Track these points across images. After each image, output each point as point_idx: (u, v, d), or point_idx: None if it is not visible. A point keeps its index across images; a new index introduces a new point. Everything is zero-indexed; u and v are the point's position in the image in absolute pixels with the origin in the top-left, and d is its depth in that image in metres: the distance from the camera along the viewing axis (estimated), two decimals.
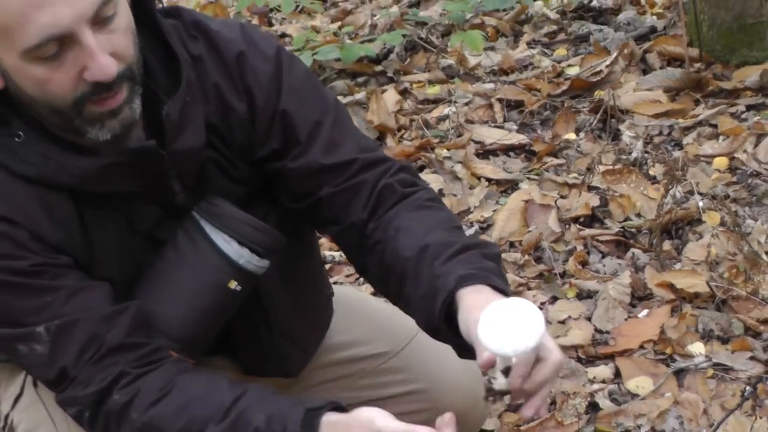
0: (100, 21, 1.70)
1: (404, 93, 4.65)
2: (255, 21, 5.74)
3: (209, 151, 2.00)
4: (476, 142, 4.23)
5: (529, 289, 3.48)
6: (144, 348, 1.96)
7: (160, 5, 1.98)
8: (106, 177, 1.88)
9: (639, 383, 3.06)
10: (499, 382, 1.74)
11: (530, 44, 4.94)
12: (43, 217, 1.88)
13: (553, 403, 3.03)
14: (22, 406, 2.13)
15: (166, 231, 2.01)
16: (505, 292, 1.87)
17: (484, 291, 1.83)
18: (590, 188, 3.87)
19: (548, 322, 3.30)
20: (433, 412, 2.08)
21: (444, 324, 1.88)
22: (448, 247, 1.97)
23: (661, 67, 4.51)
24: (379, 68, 4.87)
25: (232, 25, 2.08)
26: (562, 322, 3.32)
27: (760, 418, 2.85)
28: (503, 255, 3.61)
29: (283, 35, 5.04)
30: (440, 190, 3.97)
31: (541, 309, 3.28)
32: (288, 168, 2.07)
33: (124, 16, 1.78)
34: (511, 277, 3.51)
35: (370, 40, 4.91)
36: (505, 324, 1.68)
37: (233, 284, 2.03)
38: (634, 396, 3.03)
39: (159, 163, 1.90)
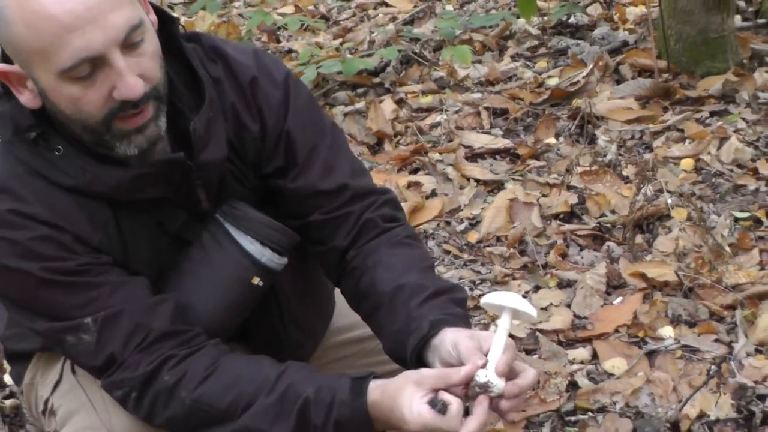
0: (129, 45, 1.74)
1: (400, 102, 4.65)
2: (264, 38, 5.77)
3: (228, 163, 2.03)
4: (465, 147, 4.23)
5: (514, 279, 3.49)
6: (187, 333, 1.99)
7: (182, 29, 2.00)
8: (137, 186, 1.91)
9: (614, 364, 3.07)
10: (492, 377, 1.75)
11: (514, 57, 4.95)
12: (85, 222, 1.90)
13: (537, 383, 3.04)
14: (61, 392, 2.14)
15: (192, 233, 2.04)
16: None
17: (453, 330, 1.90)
18: (569, 188, 3.88)
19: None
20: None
21: (413, 359, 1.94)
22: (422, 290, 2.02)
23: (633, 78, 4.51)
24: (377, 80, 4.87)
25: (246, 51, 2.11)
26: (545, 309, 3.32)
27: (724, 394, 2.86)
28: (491, 248, 3.65)
29: (290, 51, 5.05)
30: (433, 190, 3.99)
31: (525, 297, 3.31)
32: (287, 188, 2.11)
33: (151, 42, 1.82)
34: (497, 268, 3.53)
35: (369, 55, 4.92)
36: (509, 296, 1.81)
37: (256, 280, 2.06)
38: (610, 375, 3.04)
39: (187, 174, 1.93)
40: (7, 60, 1.84)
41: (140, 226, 1.99)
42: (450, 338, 1.87)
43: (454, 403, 1.75)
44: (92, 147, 1.89)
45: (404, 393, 1.81)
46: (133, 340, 1.92)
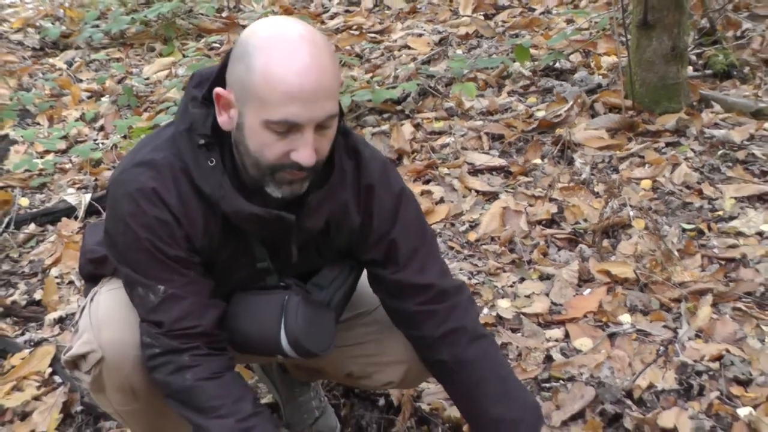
0: (321, 127, 1.82)
1: (417, 126, 4.66)
2: None
3: (318, 235, 2.08)
4: (468, 164, 4.24)
5: (504, 272, 3.51)
6: (218, 338, 2.07)
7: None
8: (249, 221, 1.95)
9: (582, 342, 3.09)
10: None
11: (510, 93, 4.94)
12: (200, 227, 1.97)
13: (519, 355, 3.06)
14: (108, 289, 2.18)
15: (270, 278, 2.11)
16: None
17: None
18: (551, 200, 3.90)
19: (516, 296, 3.36)
20: (382, 356, 2.37)
21: None
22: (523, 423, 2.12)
23: (605, 113, 4.51)
24: (399, 108, 4.88)
25: (378, 159, 2.13)
26: (528, 296, 3.36)
27: (669, 370, 2.88)
28: (487, 246, 3.67)
29: None
30: (441, 198, 4.01)
31: (512, 287, 3.32)
32: (385, 277, 2.15)
33: (333, 129, 1.90)
34: (491, 262, 3.56)
35: (393, 87, 4.91)
36: None
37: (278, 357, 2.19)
38: (579, 352, 3.06)
39: (289, 230, 1.97)
40: (222, 82, 1.90)
41: (235, 248, 2.04)
42: None
43: None
44: (240, 174, 1.96)
45: None
46: (181, 323, 1.98)
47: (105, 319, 2.09)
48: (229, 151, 1.95)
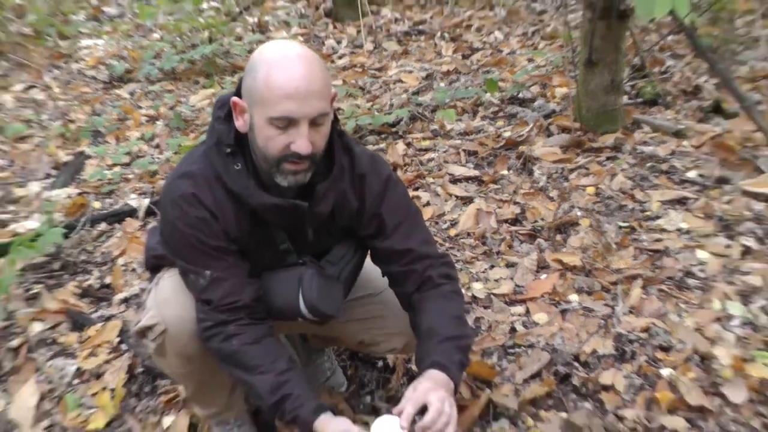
0: (314, 123, 1.87)
1: (408, 145, 4.66)
2: None
3: (326, 219, 2.10)
4: (449, 174, 4.25)
5: (478, 260, 3.51)
6: (257, 309, 2.10)
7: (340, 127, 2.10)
8: (271, 211, 1.98)
9: (540, 317, 3.11)
10: None
11: (482, 118, 4.94)
12: (233, 221, 2.01)
13: (490, 327, 3.07)
14: (169, 276, 2.20)
15: (290, 256, 2.13)
16: (453, 377, 2.00)
17: (435, 377, 1.97)
18: (515, 203, 3.91)
19: (487, 280, 3.37)
20: (387, 329, 2.40)
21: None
22: (443, 333, 2.06)
23: (558, 133, 4.52)
24: (393, 129, 4.89)
25: (367, 153, 2.17)
26: (496, 280, 3.36)
27: (608, 339, 2.89)
28: (464, 240, 3.67)
29: (338, 108, 5.04)
30: (428, 201, 4.02)
31: (483, 273, 3.31)
32: (375, 246, 2.19)
33: (326, 127, 1.94)
34: (467, 253, 3.56)
35: (389, 113, 4.91)
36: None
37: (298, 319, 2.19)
38: (537, 324, 3.07)
39: (303, 215, 2.00)
40: (239, 95, 1.95)
41: (262, 236, 2.06)
42: (422, 379, 1.96)
43: None
44: (260, 173, 2.00)
45: None
46: (226, 299, 2.03)
47: (167, 299, 2.14)
48: (249, 156, 1.99)
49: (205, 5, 7.69)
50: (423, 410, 1.88)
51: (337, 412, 2.42)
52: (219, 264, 2.03)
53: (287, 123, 1.84)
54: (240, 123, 1.95)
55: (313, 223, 2.07)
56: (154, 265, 2.32)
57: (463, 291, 3.19)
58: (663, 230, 3.58)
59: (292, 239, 2.12)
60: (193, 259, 2.03)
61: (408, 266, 2.16)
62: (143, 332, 2.16)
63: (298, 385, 2.01)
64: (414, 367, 2.84)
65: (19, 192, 4.56)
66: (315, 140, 1.88)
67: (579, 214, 3.73)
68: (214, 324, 2.04)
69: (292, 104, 1.82)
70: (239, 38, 6.77)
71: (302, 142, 1.84)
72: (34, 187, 4.61)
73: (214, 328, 2.04)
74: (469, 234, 3.71)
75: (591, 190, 3.93)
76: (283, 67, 1.83)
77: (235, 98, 1.94)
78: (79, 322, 3.29)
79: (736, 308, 3.04)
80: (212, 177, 1.99)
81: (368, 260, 2.34)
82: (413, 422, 1.86)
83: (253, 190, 1.96)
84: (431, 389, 1.91)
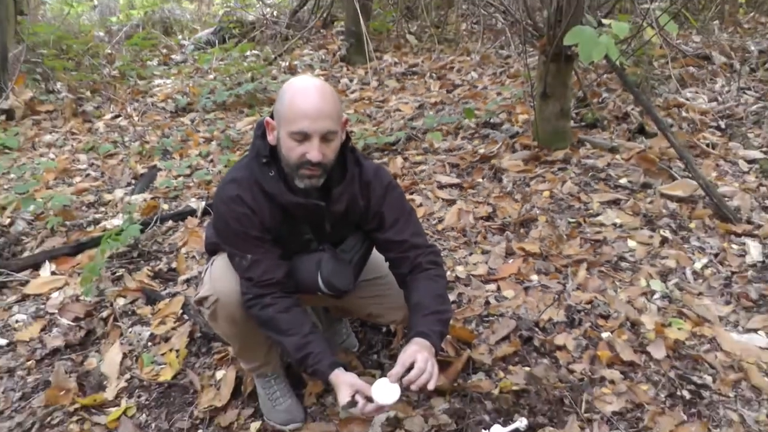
0: (324, 139, 1.92)
1: (405, 159, 4.63)
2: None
3: (340, 216, 2.12)
4: (437, 182, 4.22)
5: (460, 248, 3.48)
6: (288, 284, 2.12)
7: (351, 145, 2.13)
8: (296, 207, 2.02)
9: (508, 293, 3.06)
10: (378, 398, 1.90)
11: (462, 138, 4.89)
12: (268, 215, 2.03)
13: (469, 300, 3.04)
14: (220, 259, 2.22)
15: (311, 245, 2.13)
16: (434, 344, 2.03)
17: (420, 343, 1.99)
18: (488, 204, 3.87)
19: (467, 264, 3.34)
20: (390, 304, 2.38)
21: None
22: (427, 309, 2.08)
23: (521, 150, 4.48)
24: (393, 147, 4.85)
25: (372, 165, 2.18)
26: (474, 264, 3.32)
27: (561, 309, 2.87)
28: (449, 233, 3.63)
29: (351, 131, 5.04)
30: (420, 203, 3.98)
31: (464, 259, 3.29)
32: (377, 237, 2.21)
33: (335, 143, 1.98)
34: (452, 243, 3.53)
35: (390, 135, 4.91)
36: (383, 390, 1.88)
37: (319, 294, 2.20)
38: (506, 298, 3.04)
39: (322, 212, 2.04)
40: (272, 117, 2.00)
41: (290, 228, 2.08)
42: (410, 344, 1.99)
43: (360, 403, 1.90)
44: (285, 177, 2.01)
45: (342, 387, 1.96)
46: (263, 277, 2.06)
47: (219, 276, 2.16)
48: (280, 165, 2.01)
49: (248, 53, 7.70)
50: (410, 369, 1.92)
51: (349, 368, 2.44)
52: (257, 249, 2.06)
53: (303, 137, 1.89)
54: (271, 138, 2.01)
55: (330, 219, 2.10)
56: (211, 250, 2.35)
57: (448, 272, 3.20)
58: (602, 224, 3.56)
59: (313, 231, 2.14)
60: (238, 246, 2.07)
61: (402, 254, 2.17)
62: (200, 302, 2.20)
63: (318, 345, 2.04)
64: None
65: (107, 197, 4.57)
66: (325, 152, 1.92)
67: (537, 212, 3.70)
68: (254, 297, 2.07)
69: (306, 122, 1.88)
70: (274, 78, 6.75)
71: (314, 152, 1.89)
72: (118, 193, 4.61)
73: (254, 300, 2.08)
74: (452, 228, 3.67)
75: (547, 193, 3.90)
76: (302, 94, 1.90)
77: (267, 118, 2.02)
78: (152, 298, 3.27)
79: (657, 285, 3.04)
80: (252, 181, 2.03)
81: (377, 256, 2.36)
82: (402, 378, 1.92)
83: (283, 191, 2.00)
84: (416, 351, 1.95)
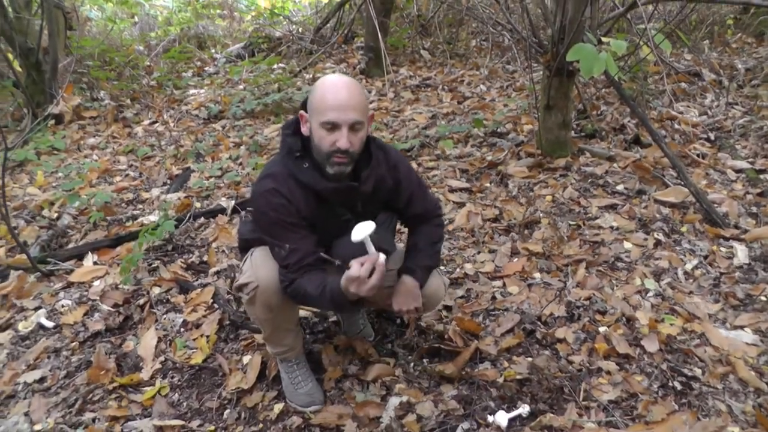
0: (352, 129, 1.96)
1: (419, 165, 4.60)
2: None
3: (368, 195, 2.14)
4: (448, 186, 4.19)
5: (468, 247, 3.45)
6: (319, 267, 2.11)
7: (374, 138, 2.20)
8: (330, 192, 2.05)
9: (513, 289, 3.04)
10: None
11: (472, 146, 4.85)
12: (303, 203, 2.05)
13: (477, 295, 3.02)
14: (260, 250, 2.23)
15: (351, 223, 2.06)
16: (419, 277, 2.27)
17: (405, 276, 2.26)
18: (495, 207, 3.84)
19: (476, 261, 3.31)
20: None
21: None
22: (420, 251, 2.30)
23: (525, 157, 4.44)
24: (408, 154, 4.81)
25: (393, 150, 2.24)
26: (482, 262, 3.29)
27: (561, 305, 2.85)
28: (459, 233, 3.61)
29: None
30: None
31: (472, 257, 3.27)
32: (405, 212, 2.31)
33: (362, 134, 2.03)
34: (461, 242, 3.51)
35: (405, 142, 4.88)
36: (359, 231, 1.85)
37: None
38: (511, 294, 3.02)
39: (354, 193, 2.07)
40: (304, 109, 2.07)
41: (326, 213, 2.10)
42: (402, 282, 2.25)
43: (353, 267, 1.90)
44: (319, 167, 2.05)
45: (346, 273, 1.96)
46: (300, 262, 2.07)
47: (259, 265, 2.17)
48: (312, 157, 2.05)
49: (275, 66, 7.70)
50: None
51: (365, 355, 2.42)
52: (294, 236, 2.07)
53: (332, 126, 1.93)
54: (305, 129, 2.05)
55: (362, 197, 2.13)
56: (243, 247, 2.36)
57: (457, 269, 3.20)
58: (600, 227, 3.52)
59: (349, 212, 2.18)
60: (277, 235, 2.08)
61: (419, 219, 2.34)
62: (240, 288, 2.21)
63: (333, 280, 2.04)
64: (422, 323, 2.82)
65: (145, 195, 4.58)
66: (353, 141, 1.96)
67: (541, 215, 3.67)
68: (290, 282, 2.09)
69: (335, 113, 1.92)
70: (299, 89, 6.74)
71: (343, 140, 1.93)
72: (155, 191, 4.62)
73: (291, 285, 2.10)
74: (462, 229, 3.65)
75: (549, 198, 3.87)
76: (333, 88, 1.95)
77: (301, 111, 2.06)
78: (184, 288, 3.27)
79: (650, 284, 3.01)
80: (287, 175, 2.06)
81: (399, 249, 2.43)
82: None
83: (318, 179, 2.03)
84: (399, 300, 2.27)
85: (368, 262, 1.88)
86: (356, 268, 1.88)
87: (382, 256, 1.89)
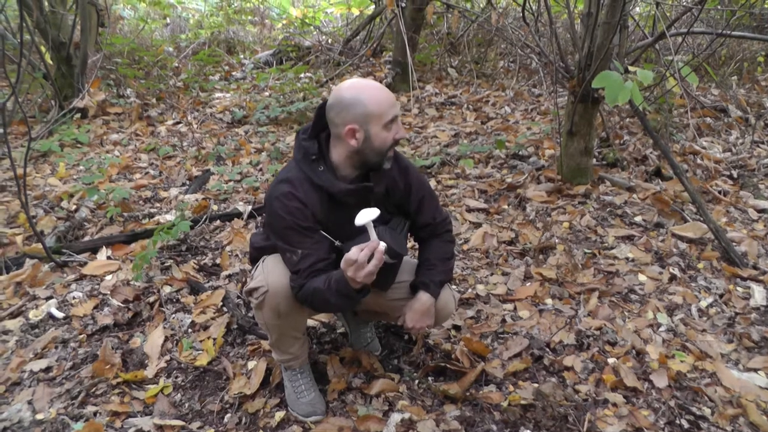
0: (398, 119, 2.04)
1: (438, 182, 4.61)
2: None
3: (381, 196, 2.17)
4: (466, 205, 4.18)
5: (482, 269, 3.44)
6: (328, 270, 2.09)
7: None
8: (347, 193, 2.06)
9: (523, 313, 3.02)
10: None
11: (492, 167, 4.86)
12: (318, 206, 2.05)
13: (487, 317, 3.00)
14: (272, 257, 2.24)
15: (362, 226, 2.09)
16: (433, 292, 2.32)
17: (421, 293, 2.32)
18: (511, 229, 3.82)
19: (488, 283, 3.29)
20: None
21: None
22: (434, 265, 2.34)
23: (545, 182, 4.43)
24: (429, 171, 4.82)
25: (402, 156, 2.26)
26: (494, 284, 3.27)
27: (571, 333, 2.82)
28: (473, 254, 3.60)
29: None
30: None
31: (485, 279, 3.25)
32: (416, 219, 2.32)
33: None
34: (475, 263, 3.49)
35: (427, 159, 4.89)
36: (363, 216, 1.83)
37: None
38: (521, 318, 3.00)
39: (369, 193, 2.09)
40: (319, 128, 2.12)
41: (342, 214, 2.10)
42: (416, 298, 2.31)
43: (353, 250, 1.87)
44: (333, 170, 2.08)
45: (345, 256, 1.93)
46: (311, 267, 2.06)
47: (271, 270, 2.17)
48: (328, 161, 2.08)
49: (302, 75, 7.76)
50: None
51: (371, 369, 2.41)
52: (307, 241, 2.07)
53: (392, 121, 1.99)
54: (353, 142, 2.01)
55: (375, 198, 2.14)
56: (254, 256, 2.37)
57: (469, 290, 3.17)
58: (615, 257, 3.49)
59: None
60: (290, 240, 2.07)
61: (429, 230, 2.35)
62: (251, 292, 2.21)
63: (335, 273, 2.03)
64: (430, 341, 2.81)
65: (163, 194, 4.61)
66: (401, 129, 2.05)
67: (556, 241, 3.65)
68: (300, 287, 2.09)
69: (392, 109, 1.99)
70: (324, 99, 6.79)
71: (401, 130, 2.03)
72: (173, 191, 4.65)
73: (301, 289, 2.10)
74: (477, 249, 3.64)
75: (566, 224, 3.85)
76: (373, 90, 1.97)
77: (349, 126, 1.99)
78: (195, 289, 3.28)
79: (663, 318, 2.98)
80: (302, 178, 2.07)
81: (410, 261, 2.44)
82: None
83: (334, 182, 2.05)
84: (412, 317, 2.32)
85: (368, 248, 1.86)
86: (355, 251, 1.87)
87: (382, 244, 1.86)
